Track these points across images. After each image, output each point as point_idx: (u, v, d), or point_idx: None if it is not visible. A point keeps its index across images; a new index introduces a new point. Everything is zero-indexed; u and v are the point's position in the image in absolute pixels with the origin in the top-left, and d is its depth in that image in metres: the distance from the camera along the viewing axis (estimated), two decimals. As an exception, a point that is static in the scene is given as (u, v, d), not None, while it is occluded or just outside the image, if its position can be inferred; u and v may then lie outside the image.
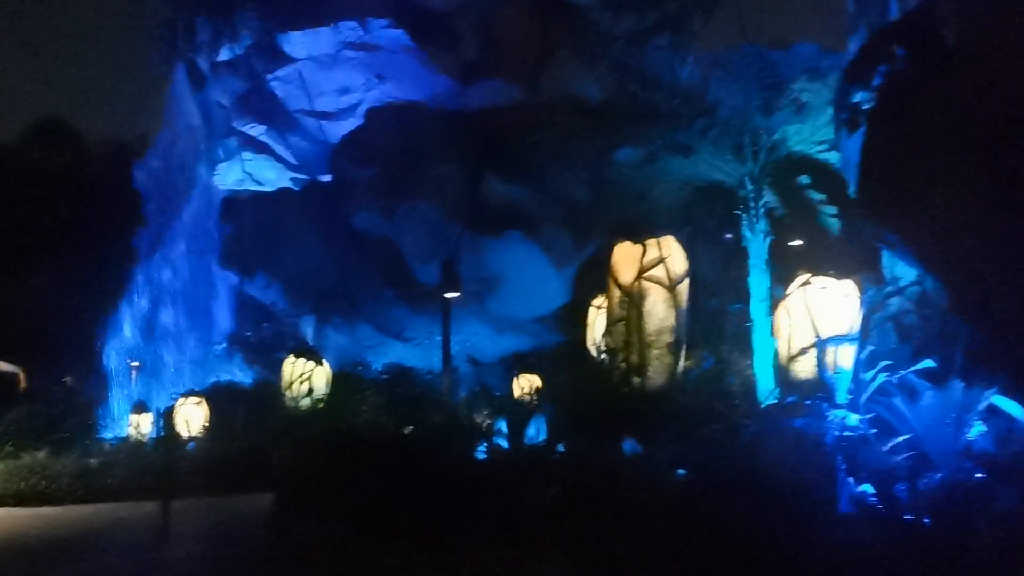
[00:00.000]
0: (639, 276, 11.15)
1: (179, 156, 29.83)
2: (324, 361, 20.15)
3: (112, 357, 29.48)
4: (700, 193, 13.70)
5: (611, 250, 12.05)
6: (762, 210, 12.51)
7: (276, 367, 27.05)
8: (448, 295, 20.60)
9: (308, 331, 26.44)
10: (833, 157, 11.95)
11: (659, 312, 11.11)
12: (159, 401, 23.91)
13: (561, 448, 9.44)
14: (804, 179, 12.09)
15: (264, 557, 10.39)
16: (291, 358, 19.93)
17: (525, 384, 21.36)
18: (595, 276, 24.80)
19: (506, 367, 25.60)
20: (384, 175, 23.96)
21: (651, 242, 11.30)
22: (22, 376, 35.17)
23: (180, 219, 29.28)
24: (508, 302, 24.55)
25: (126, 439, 20.34)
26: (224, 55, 27.43)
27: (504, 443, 10.42)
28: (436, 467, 9.12)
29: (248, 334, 28.45)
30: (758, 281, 12.38)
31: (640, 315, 10.97)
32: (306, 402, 19.23)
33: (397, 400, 18.38)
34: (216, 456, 16.69)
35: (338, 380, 20.34)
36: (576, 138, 24.37)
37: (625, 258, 11.39)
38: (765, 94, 11.79)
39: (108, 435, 21.34)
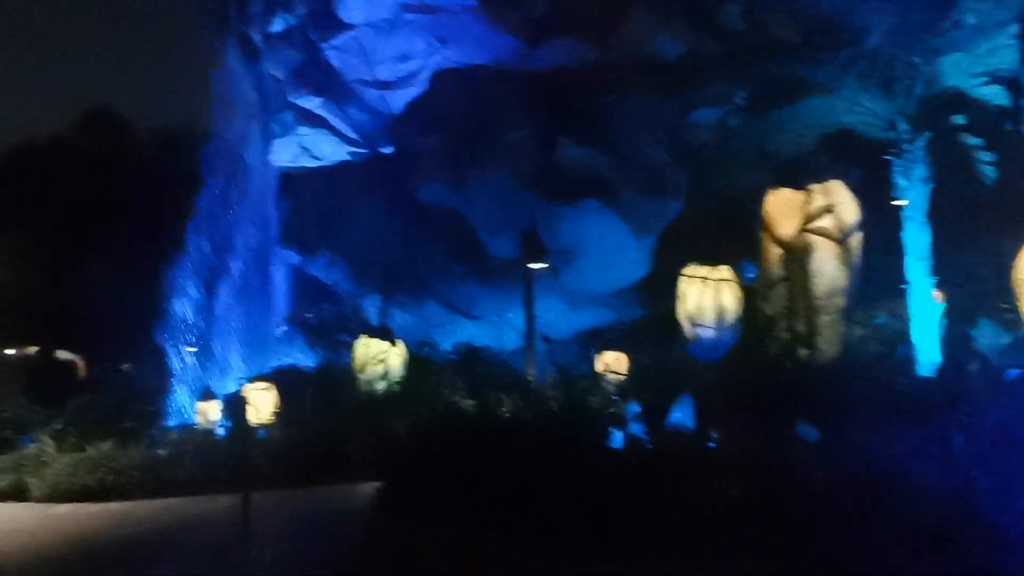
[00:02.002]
0: (803, 228, 9.50)
1: (233, 134, 28.76)
2: (399, 341, 18.86)
3: (170, 343, 28.68)
4: (832, 139, 12.02)
5: (761, 200, 10.30)
6: (920, 153, 10.84)
7: (339, 350, 26.08)
8: (529, 267, 19.13)
9: (372, 311, 25.26)
10: (992, 92, 10.23)
11: (828, 271, 9.48)
12: (221, 387, 22.91)
13: (716, 437, 7.99)
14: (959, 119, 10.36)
15: (365, 558, 9.12)
16: (363, 339, 18.73)
17: (610, 361, 19.94)
18: (678, 244, 23.35)
19: (581, 344, 24.19)
20: (451, 144, 22.58)
21: (815, 188, 9.61)
22: (80, 364, 34.73)
23: (236, 199, 28.25)
24: (584, 275, 23.04)
25: (193, 428, 19.32)
26: (277, 26, 26.16)
27: (638, 431, 9.02)
28: (570, 459, 7.75)
29: (309, 316, 27.37)
30: (916, 236, 10.75)
31: (805, 275, 9.35)
32: (382, 385, 17.98)
33: (499, 383, 16.97)
34: (294, 444, 15.48)
35: (413, 361, 19.07)
36: (660, 94, 22.85)
37: (783, 208, 9.67)
38: (925, 15, 10.09)
39: (173, 424, 20.33)
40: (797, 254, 9.38)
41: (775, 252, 9.49)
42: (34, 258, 31.96)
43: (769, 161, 12.94)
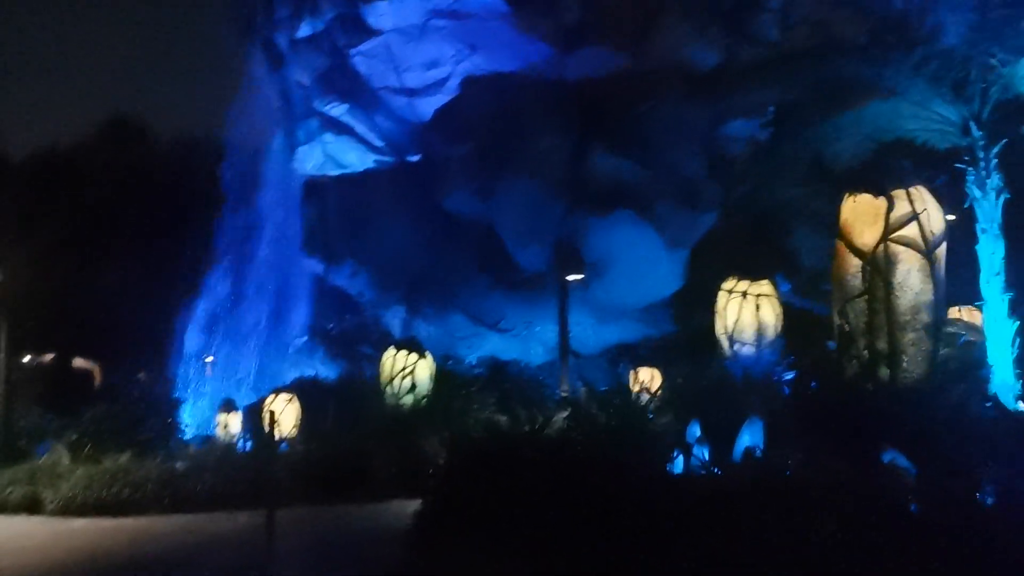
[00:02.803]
0: (884, 237, 8.78)
1: (256, 142, 28.38)
2: (428, 353, 18.21)
3: (189, 352, 28.19)
4: (896, 147, 11.31)
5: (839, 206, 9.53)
6: (994, 162, 10.15)
7: (361, 361, 25.51)
8: (559, 279, 18.51)
9: (396, 322, 24.65)
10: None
11: (913, 283, 8.73)
12: (241, 398, 22.34)
13: (794, 463, 7.25)
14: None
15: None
16: (391, 350, 18.07)
17: (645, 378, 19.22)
18: (714, 258, 22.64)
19: (609, 359, 23.48)
20: (480, 152, 22.01)
21: (899, 193, 8.89)
22: (97, 373, 34.27)
23: (259, 207, 27.83)
24: (615, 288, 22.36)
25: (211, 440, 18.75)
26: (304, 31, 25.71)
27: (702, 455, 8.31)
28: (631, 483, 7.06)
29: (331, 326, 26.81)
30: (990, 250, 10.04)
31: (888, 288, 8.64)
32: (409, 399, 17.33)
33: (532, 398, 16.29)
34: (321, 459, 14.81)
35: (440, 375, 18.41)
36: (695, 103, 22.19)
37: (863, 215, 8.91)
38: (1005, 12, 9.42)
39: (192, 436, 19.75)
40: (878, 265, 8.65)
41: (853, 263, 8.76)
42: (53, 265, 31.55)
43: (827, 169, 12.22)
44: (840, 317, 9.05)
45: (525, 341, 23.77)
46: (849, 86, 11.27)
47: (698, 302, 21.67)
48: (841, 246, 9.04)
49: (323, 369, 25.32)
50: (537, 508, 7.46)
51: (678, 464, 8.29)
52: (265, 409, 17.89)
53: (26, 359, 29.37)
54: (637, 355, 22.67)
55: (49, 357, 32.19)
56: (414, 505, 10.09)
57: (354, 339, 26.19)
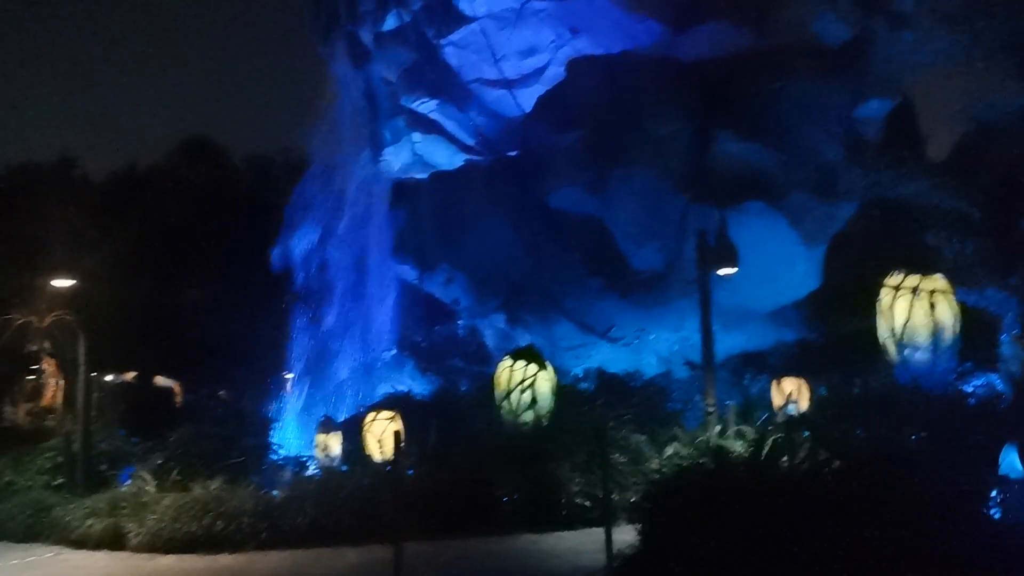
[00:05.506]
0: None
1: (341, 144, 26.87)
2: (548, 364, 16.12)
3: (276, 368, 26.68)
4: None
5: None
6: None
7: (454, 375, 23.63)
8: (721, 271, 16.36)
9: (493, 332, 22.68)
10: None
11: None
12: (336, 416, 20.58)
13: None
14: None
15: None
16: (507, 360, 16.06)
17: (791, 389, 16.88)
18: (859, 252, 20.17)
19: (731, 370, 21.07)
20: (590, 142, 19.91)
21: None
22: (178, 390, 33.17)
23: (345, 213, 26.25)
24: (742, 289, 19.86)
25: (305, 464, 16.95)
26: (390, 23, 24.07)
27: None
28: (944, 528, 4.94)
29: (419, 338, 24.99)
30: None
31: None
32: (529, 415, 15.27)
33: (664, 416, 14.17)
34: (435, 485, 12.78)
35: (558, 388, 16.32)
36: (830, 81, 19.86)
37: None
38: None
39: (282, 459, 17.94)
40: None
41: None
42: (132, 282, 30.68)
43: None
44: None
45: (637, 351, 21.53)
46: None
47: (843, 302, 19.32)
48: None
49: (413, 384, 23.55)
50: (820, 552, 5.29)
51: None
52: (365, 429, 16.05)
53: (107, 378, 28.29)
54: (767, 364, 20.32)
55: (130, 375, 31.14)
56: (551, 541, 8.19)
57: (446, 351, 24.35)
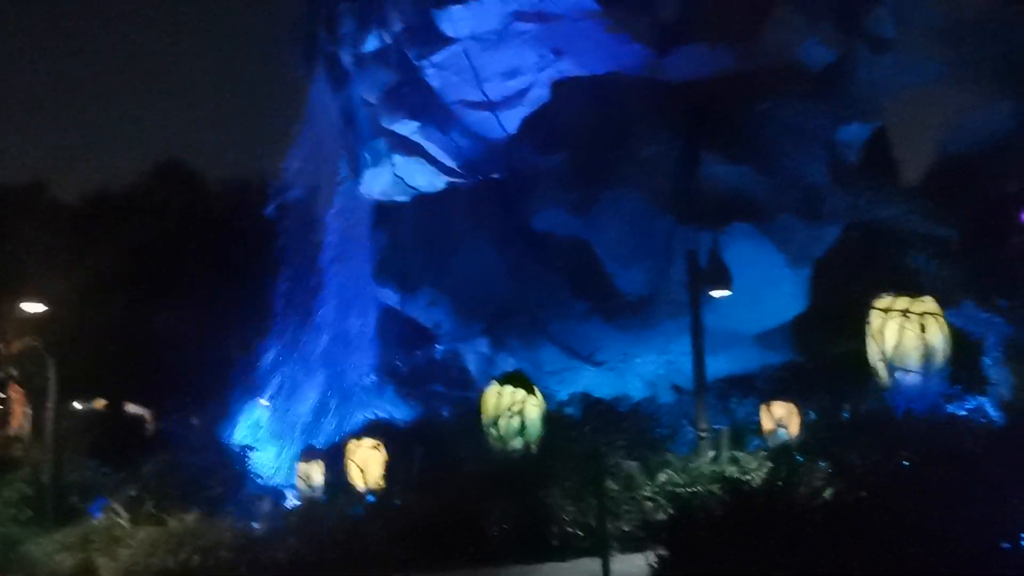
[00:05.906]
0: None
1: (319, 167, 26.52)
2: (536, 389, 15.77)
3: (250, 394, 26.08)
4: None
5: None
6: None
7: (434, 401, 23.18)
8: (715, 292, 16.14)
9: (476, 356, 22.28)
10: None
11: None
12: (315, 445, 20.06)
13: None
14: None
15: None
16: (494, 386, 15.68)
17: (781, 414, 16.64)
18: (844, 274, 20.06)
19: (716, 394, 20.81)
20: (575, 163, 19.72)
21: None
22: (149, 418, 32.31)
23: (324, 237, 25.86)
24: (728, 312, 19.67)
25: (283, 494, 16.44)
26: (371, 44, 23.79)
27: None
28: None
29: (400, 363, 24.52)
30: None
31: None
32: (518, 441, 14.87)
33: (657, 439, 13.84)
34: (424, 516, 12.31)
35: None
36: (814, 104, 19.87)
37: None
38: None
39: (261, 489, 17.42)
40: None
41: None
42: (102, 307, 29.94)
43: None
44: None
45: (622, 375, 21.24)
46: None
47: (829, 325, 19.16)
48: None
49: (393, 409, 23.10)
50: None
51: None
52: (347, 458, 15.59)
53: (76, 405, 27.51)
54: (753, 387, 20.10)
55: (100, 403, 30.32)
56: (545, 572, 7.87)
57: (428, 376, 23.88)
